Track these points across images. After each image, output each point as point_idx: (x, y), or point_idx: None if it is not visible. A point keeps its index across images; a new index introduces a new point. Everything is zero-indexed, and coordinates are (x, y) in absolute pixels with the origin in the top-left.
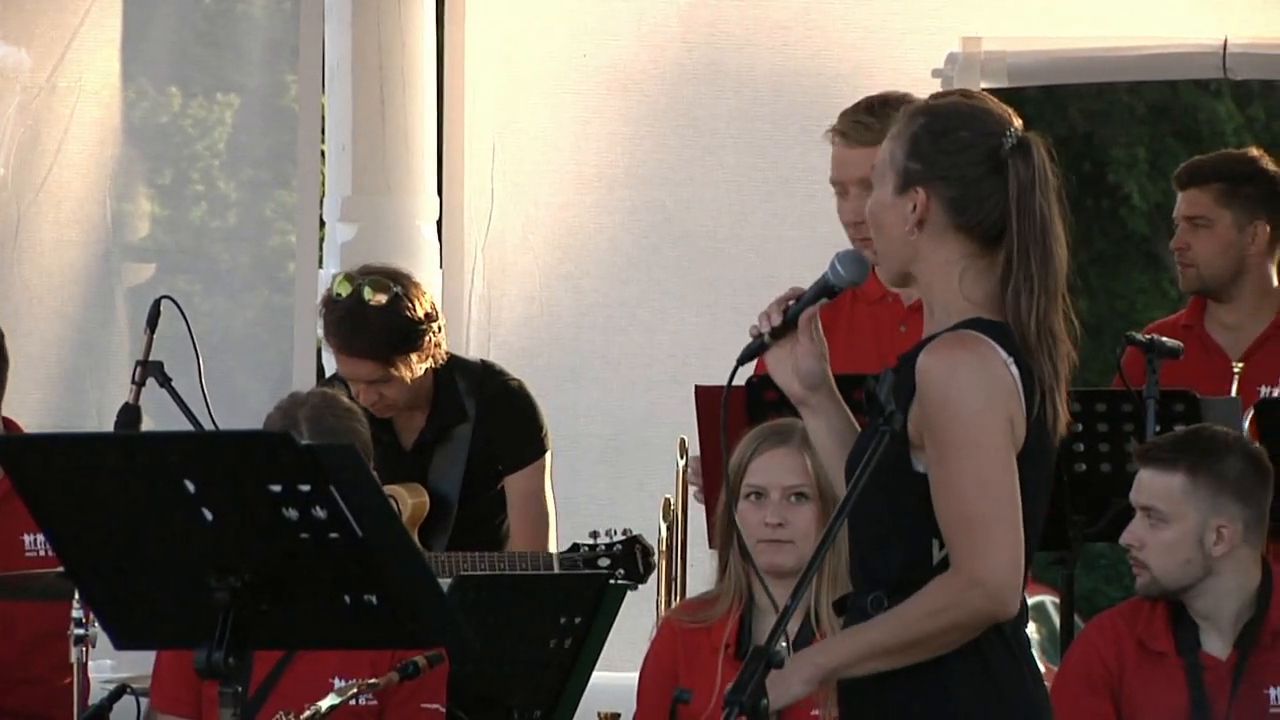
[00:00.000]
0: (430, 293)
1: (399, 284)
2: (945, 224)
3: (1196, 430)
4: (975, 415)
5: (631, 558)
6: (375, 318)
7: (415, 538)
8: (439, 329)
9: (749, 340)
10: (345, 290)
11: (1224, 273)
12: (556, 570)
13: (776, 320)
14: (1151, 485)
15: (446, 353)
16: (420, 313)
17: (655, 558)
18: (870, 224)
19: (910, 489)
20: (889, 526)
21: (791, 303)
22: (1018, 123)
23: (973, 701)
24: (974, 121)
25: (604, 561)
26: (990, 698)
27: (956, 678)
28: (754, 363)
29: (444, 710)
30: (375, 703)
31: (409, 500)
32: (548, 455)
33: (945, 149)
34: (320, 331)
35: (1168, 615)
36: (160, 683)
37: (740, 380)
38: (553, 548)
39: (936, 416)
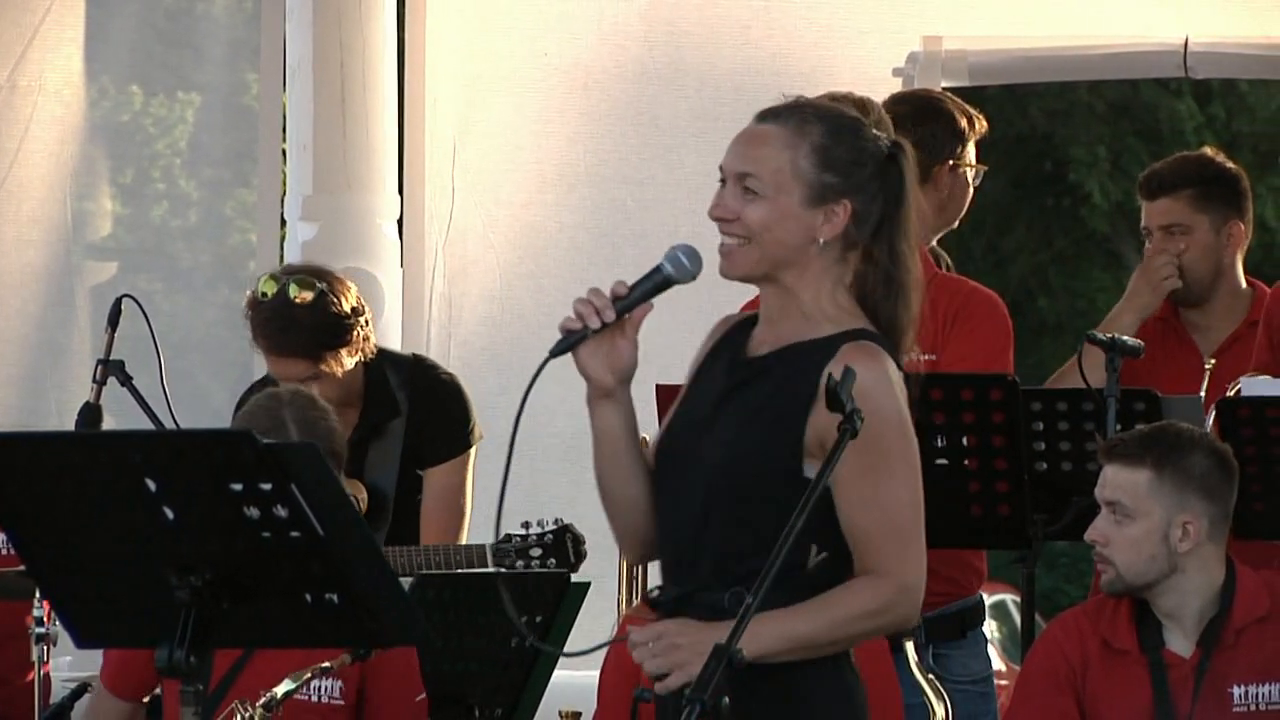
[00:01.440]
0: (356, 288)
1: (323, 280)
2: (843, 235)
3: (1162, 427)
4: (902, 427)
5: (563, 547)
6: (303, 315)
7: None
8: (366, 323)
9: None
10: (271, 289)
11: (1205, 277)
12: (490, 561)
13: (610, 316)
14: (1117, 480)
15: (375, 347)
16: (347, 307)
17: (585, 546)
18: (753, 230)
19: (797, 494)
20: (768, 529)
21: (620, 297)
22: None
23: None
24: (863, 129)
25: (535, 551)
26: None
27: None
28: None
29: (427, 700)
30: (343, 701)
31: None
32: (471, 451)
33: (855, 159)
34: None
35: (1131, 614)
36: (111, 664)
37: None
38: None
39: (869, 426)
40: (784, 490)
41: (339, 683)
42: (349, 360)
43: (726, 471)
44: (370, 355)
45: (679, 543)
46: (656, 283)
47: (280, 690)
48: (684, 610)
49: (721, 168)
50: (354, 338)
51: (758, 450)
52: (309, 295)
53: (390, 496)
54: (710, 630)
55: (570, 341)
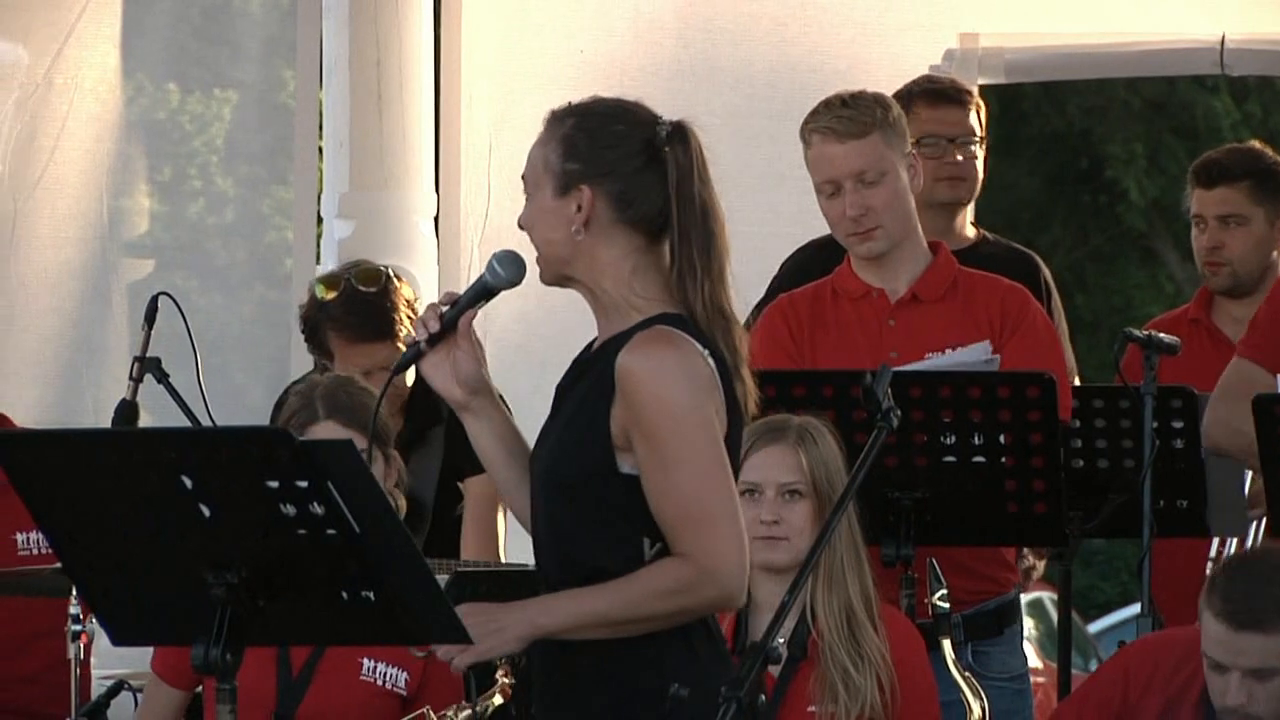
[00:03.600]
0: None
1: (383, 271)
2: (611, 220)
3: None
4: (687, 414)
5: None
6: (376, 299)
7: None
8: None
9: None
10: (335, 286)
11: (1256, 269)
12: None
13: (434, 326)
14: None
15: None
16: (410, 295)
17: None
18: (528, 232)
19: (618, 490)
20: (598, 526)
21: (446, 308)
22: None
23: (682, 679)
24: (625, 115)
25: None
26: (696, 676)
27: (669, 656)
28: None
29: None
30: (405, 692)
31: None
32: None
33: (603, 144)
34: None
35: (1199, 698)
36: (163, 651)
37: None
38: (502, 557)
39: (648, 417)
40: (602, 488)
41: (404, 672)
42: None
43: (551, 475)
44: None
45: (537, 553)
46: (477, 290)
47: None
48: None
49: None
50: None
51: (574, 451)
52: (375, 281)
53: (429, 506)
54: (500, 610)
55: (408, 356)
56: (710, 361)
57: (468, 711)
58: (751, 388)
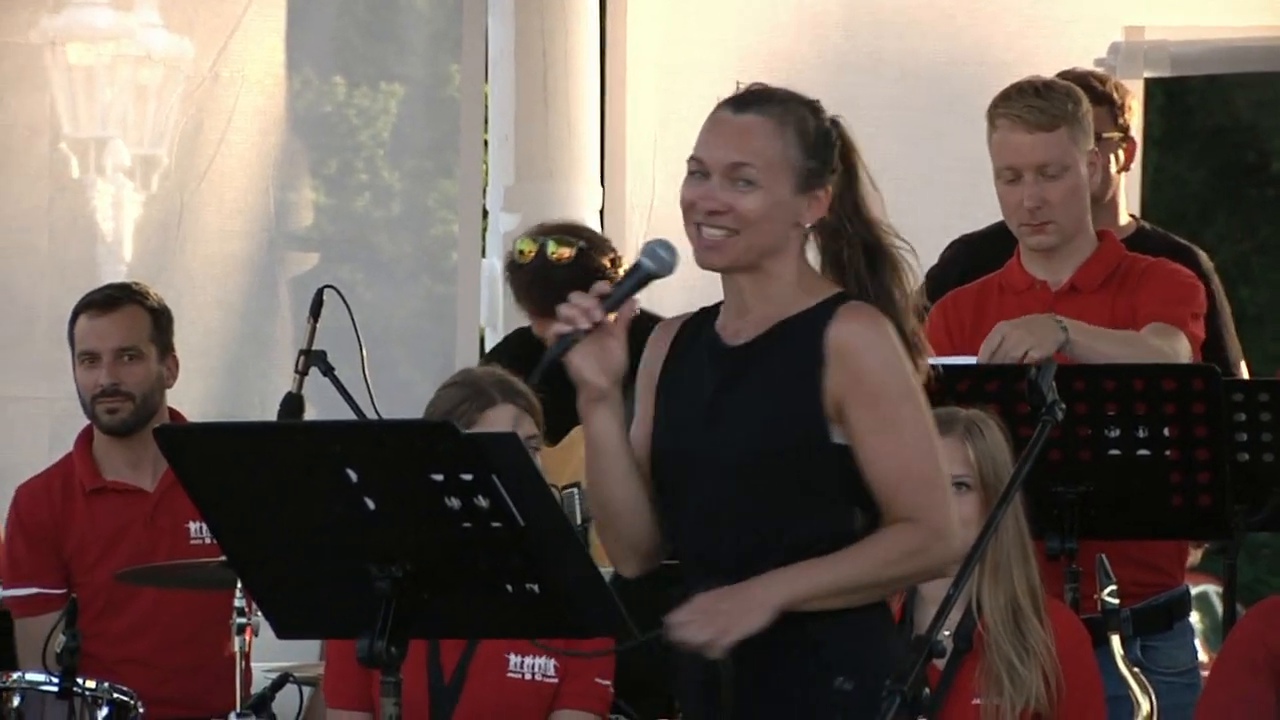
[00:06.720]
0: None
1: (582, 236)
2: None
3: None
4: (909, 378)
5: None
6: (564, 274)
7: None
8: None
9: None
10: (530, 249)
11: None
12: None
13: (598, 315)
14: None
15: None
16: (606, 260)
17: None
18: (748, 221)
19: (831, 460)
20: (810, 498)
21: (606, 296)
22: None
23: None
24: (820, 110)
25: None
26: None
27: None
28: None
29: (612, 689)
30: (555, 679)
31: None
32: None
33: (827, 143)
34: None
35: None
36: (331, 678)
37: None
38: None
39: (874, 381)
40: (814, 459)
41: (552, 661)
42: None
43: (749, 457)
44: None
45: (698, 539)
46: (638, 279)
47: None
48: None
49: (701, 159)
50: None
51: (780, 427)
52: (568, 252)
53: None
54: (743, 587)
55: (565, 344)
56: None
57: None
58: (924, 368)
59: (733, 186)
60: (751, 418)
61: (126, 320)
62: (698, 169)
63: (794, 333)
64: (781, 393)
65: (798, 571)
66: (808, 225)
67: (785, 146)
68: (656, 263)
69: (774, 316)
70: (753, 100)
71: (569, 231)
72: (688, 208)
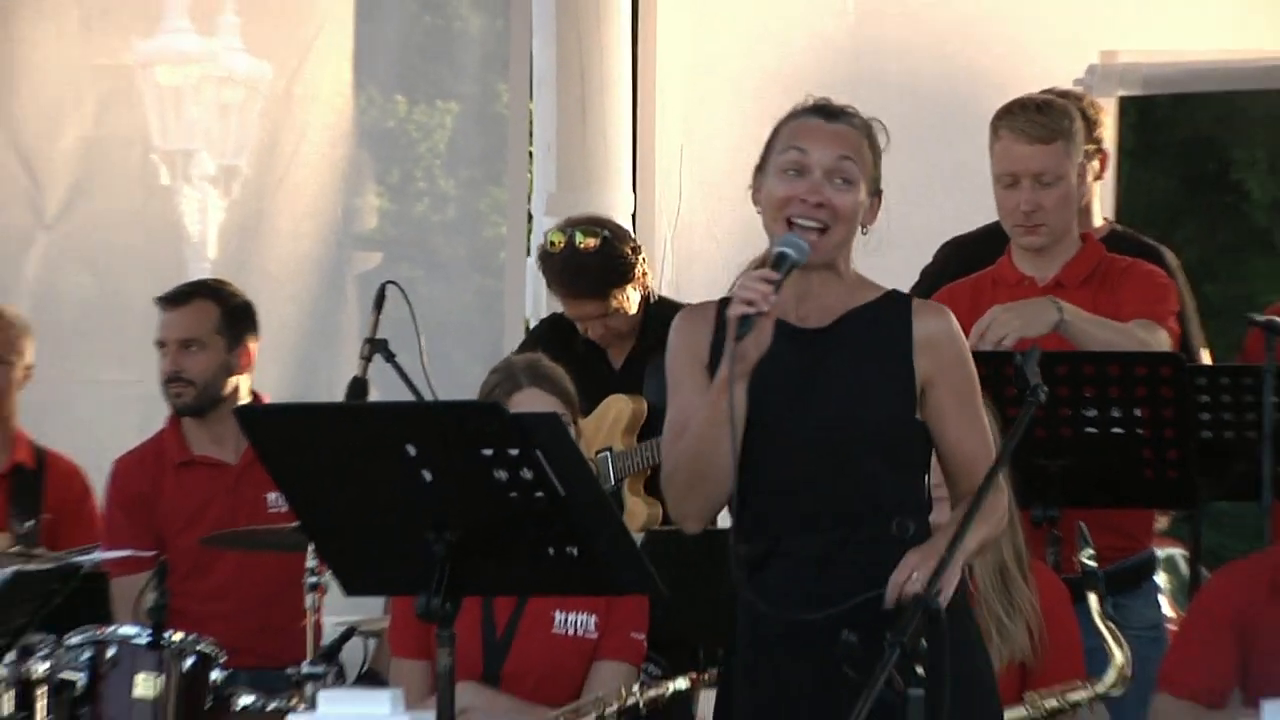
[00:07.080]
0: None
1: (606, 227)
2: None
3: None
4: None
5: None
6: (591, 261)
7: (635, 440)
8: (644, 259)
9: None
10: (559, 240)
11: None
12: None
13: (773, 299)
14: None
15: (657, 295)
16: (628, 248)
17: None
18: (843, 216)
19: (916, 435)
20: (900, 468)
21: (773, 283)
22: None
23: None
24: (876, 126)
25: None
26: None
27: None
28: None
29: (645, 642)
30: (596, 634)
31: (630, 407)
32: None
33: (880, 157)
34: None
35: None
36: (396, 630)
37: None
38: None
39: (961, 368)
40: (903, 433)
41: (593, 616)
42: (634, 294)
43: (845, 425)
44: (649, 290)
45: (789, 503)
46: (788, 269)
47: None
48: (772, 561)
49: (803, 160)
50: (636, 274)
51: (882, 398)
52: (594, 242)
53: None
54: (932, 548)
55: (750, 324)
56: None
57: (653, 692)
58: None
59: (830, 184)
60: (847, 392)
61: (191, 314)
62: (794, 168)
63: (873, 321)
64: (877, 372)
65: (957, 534)
66: (865, 226)
67: (866, 154)
68: (799, 252)
69: (836, 306)
70: (838, 112)
71: (594, 223)
72: (784, 203)
